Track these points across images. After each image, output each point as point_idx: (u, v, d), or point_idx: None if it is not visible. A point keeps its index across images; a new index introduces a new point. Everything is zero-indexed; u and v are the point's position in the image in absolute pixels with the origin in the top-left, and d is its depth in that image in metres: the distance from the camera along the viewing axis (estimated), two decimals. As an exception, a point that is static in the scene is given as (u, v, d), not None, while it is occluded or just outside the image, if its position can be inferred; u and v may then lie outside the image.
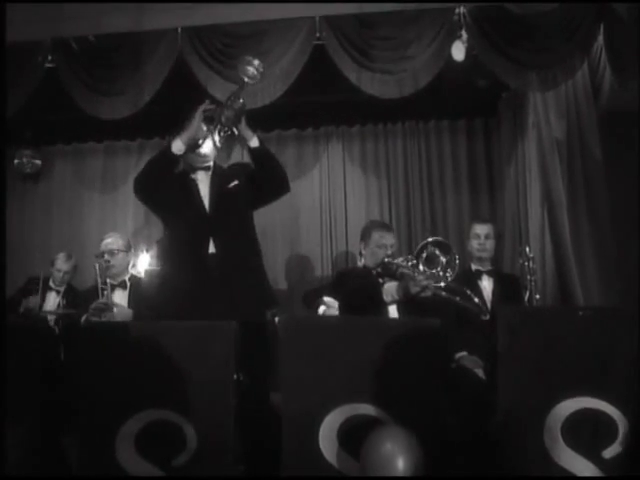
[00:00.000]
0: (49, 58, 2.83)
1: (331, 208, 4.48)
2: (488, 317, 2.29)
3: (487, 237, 3.04)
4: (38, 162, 4.65)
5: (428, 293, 2.29)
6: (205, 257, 2.13)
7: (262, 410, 2.00)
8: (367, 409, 1.71)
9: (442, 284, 2.26)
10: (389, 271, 2.49)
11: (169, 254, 2.23)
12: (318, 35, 2.70)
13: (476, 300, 2.26)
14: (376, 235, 2.80)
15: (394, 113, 4.24)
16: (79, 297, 3.73)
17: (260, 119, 2.50)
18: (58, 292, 3.89)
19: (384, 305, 2.40)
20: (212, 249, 2.15)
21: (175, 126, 2.30)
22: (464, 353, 2.76)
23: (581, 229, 2.76)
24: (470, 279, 3.04)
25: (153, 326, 1.85)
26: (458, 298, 2.29)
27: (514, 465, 1.69)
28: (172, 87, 2.89)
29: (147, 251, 3.37)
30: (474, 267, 3.09)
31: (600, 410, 1.67)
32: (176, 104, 3.12)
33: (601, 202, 2.77)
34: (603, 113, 3.05)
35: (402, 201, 4.37)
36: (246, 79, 2.08)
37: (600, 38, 2.67)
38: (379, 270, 2.54)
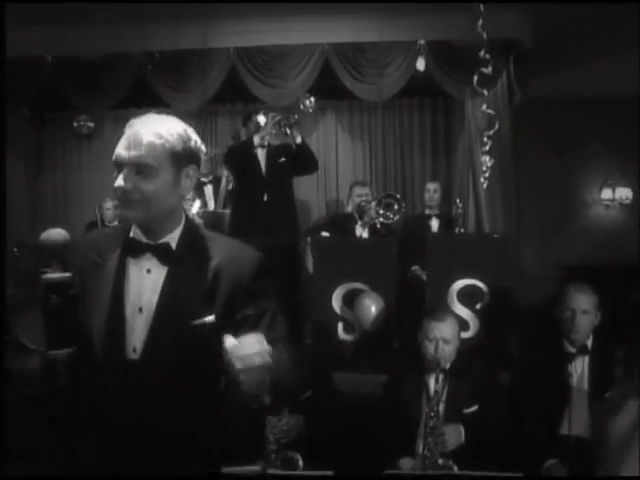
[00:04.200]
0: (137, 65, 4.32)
1: (325, 164, 6.11)
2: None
3: (435, 191, 4.79)
4: (91, 125, 6.09)
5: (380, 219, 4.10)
6: (261, 204, 3.82)
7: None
8: (357, 285, 3.48)
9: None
10: (362, 212, 4.26)
11: (239, 200, 3.95)
12: (326, 57, 4.27)
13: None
14: (355, 189, 4.55)
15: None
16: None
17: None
18: (111, 229, 5.46)
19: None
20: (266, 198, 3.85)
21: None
22: (417, 267, 4.56)
23: (493, 185, 4.50)
24: (424, 220, 4.81)
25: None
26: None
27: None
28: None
29: (198, 197, 4.99)
30: (427, 212, 4.85)
31: (476, 285, 3.46)
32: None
33: (508, 168, 4.51)
34: (519, 104, 4.72)
35: (380, 161, 6.05)
36: (302, 107, 3.69)
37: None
38: (358, 212, 4.29)
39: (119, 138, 1.31)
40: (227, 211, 4.94)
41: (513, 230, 4.50)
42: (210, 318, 1.26)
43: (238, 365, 1.05)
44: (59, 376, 0.94)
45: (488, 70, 3.88)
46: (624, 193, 5.77)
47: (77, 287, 1.02)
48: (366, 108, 6.04)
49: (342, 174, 6.05)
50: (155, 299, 1.26)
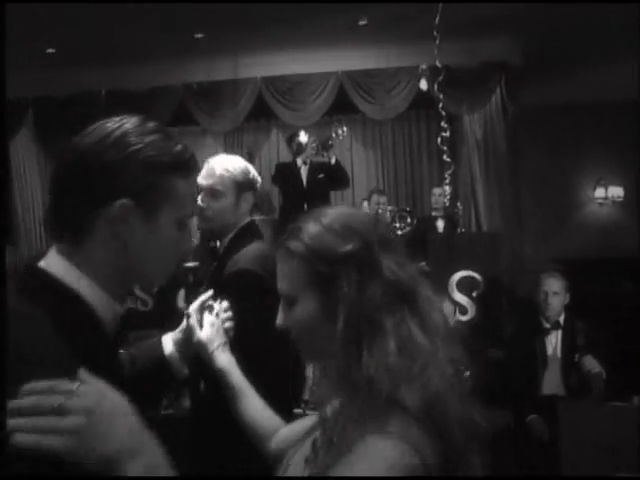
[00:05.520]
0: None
1: (342, 173, 6.82)
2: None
3: (440, 195, 5.46)
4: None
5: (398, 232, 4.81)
6: (302, 212, 4.60)
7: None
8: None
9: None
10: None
11: (285, 210, 4.71)
12: (340, 82, 5.00)
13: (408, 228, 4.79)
14: (374, 196, 5.24)
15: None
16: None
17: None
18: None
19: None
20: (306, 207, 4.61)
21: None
22: (424, 263, 5.24)
23: (492, 190, 5.17)
24: (431, 221, 5.49)
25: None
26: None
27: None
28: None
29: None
30: (433, 214, 5.53)
31: (473, 276, 4.14)
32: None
33: (504, 174, 5.18)
34: (513, 117, 5.39)
35: (391, 168, 6.74)
36: (334, 135, 4.44)
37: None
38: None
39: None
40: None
41: (515, 228, 5.17)
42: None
43: None
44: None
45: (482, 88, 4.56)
46: (616, 192, 6.36)
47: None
48: (377, 121, 6.74)
49: (357, 182, 6.76)
50: None
